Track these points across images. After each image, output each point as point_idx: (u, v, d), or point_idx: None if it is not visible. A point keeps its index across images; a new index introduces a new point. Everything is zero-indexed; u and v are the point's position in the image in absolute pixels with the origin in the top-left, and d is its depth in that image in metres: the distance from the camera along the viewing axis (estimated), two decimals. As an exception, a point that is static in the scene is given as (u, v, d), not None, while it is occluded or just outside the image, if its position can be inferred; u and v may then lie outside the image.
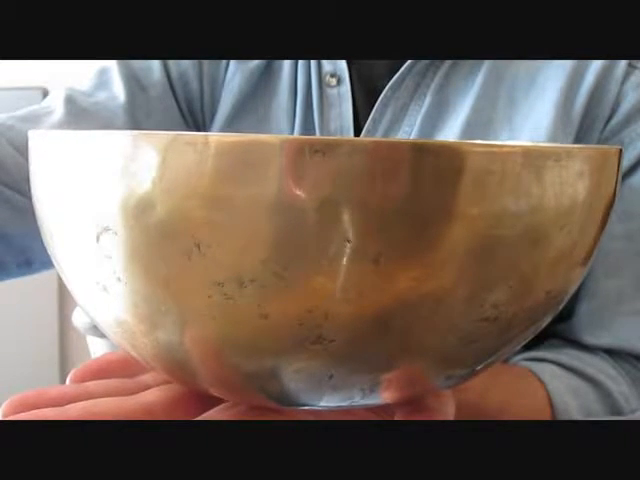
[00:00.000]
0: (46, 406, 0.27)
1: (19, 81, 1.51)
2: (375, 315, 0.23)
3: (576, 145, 0.25)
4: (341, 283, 0.22)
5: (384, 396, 0.26)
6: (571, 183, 0.24)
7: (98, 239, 0.23)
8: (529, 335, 0.28)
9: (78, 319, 0.91)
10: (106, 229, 0.23)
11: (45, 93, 1.51)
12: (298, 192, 0.21)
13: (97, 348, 0.94)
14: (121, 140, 0.22)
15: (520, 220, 0.23)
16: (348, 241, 0.21)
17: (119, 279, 0.24)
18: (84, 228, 0.24)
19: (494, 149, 0.22)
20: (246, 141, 0.21)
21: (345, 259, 0.22)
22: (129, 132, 0.22)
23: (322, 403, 0.26)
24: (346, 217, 0.21)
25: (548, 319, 0.28)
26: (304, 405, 0.27)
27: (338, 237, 0.21)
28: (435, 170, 0.21)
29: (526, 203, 0.23)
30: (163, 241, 0.22)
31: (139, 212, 0.22)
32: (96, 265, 0.24)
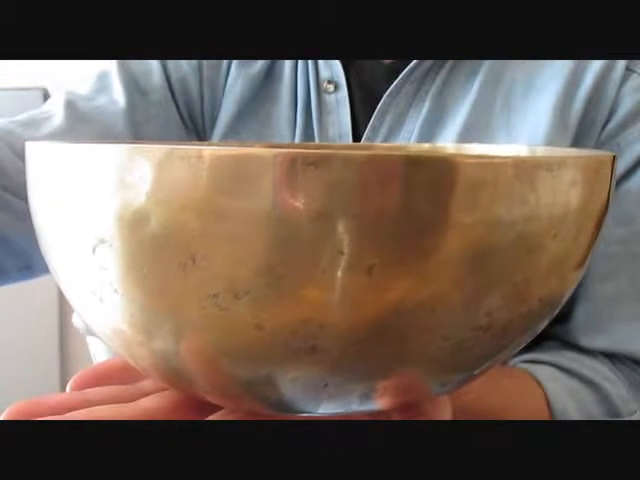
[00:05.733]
0: (46, 414, 0.28)
1: (19, 81, 1.51)
2: (369, 325, 0.23)
3: (570, 152, 0.25)
4: (335, 294, 0.22)
5: (380, 403, 0.27)
6: (564, 191, 0.24)
7: (94, 251, 0.23)
8: (525, 341, 0.28)
9: (78, 319, 0.91)
10: (102, 241, 0.23)
11: (45, 93, 1.51)
12: (291, 205, 0.21)
13: (97, 348, 0.94)
14: (116, 153, 0.22)
15: (513, 229, 0.23)
16: (341, 253, 0.21)
17: (115, 290, 0.24)
18: (80, 240, 0.24)
19: (485, 160, 0.22)
20: (239, 154, 0.21)
21: (339, 271, 0.22)
22: (124, 145, 0.22)
23: (320, 410, 0.27)
24: (339, 229, 0.21)
25: (543, 324, 0.28)
26: (302, 412, 0.27)
27: (332, 249, 0.21)
28: (428, 182, 0.21)
29: (519, 212, 0.23)
30: (158, 253, 0.22)
31: (134, 224, 0.22)
32: (92, 276, 0.24)
